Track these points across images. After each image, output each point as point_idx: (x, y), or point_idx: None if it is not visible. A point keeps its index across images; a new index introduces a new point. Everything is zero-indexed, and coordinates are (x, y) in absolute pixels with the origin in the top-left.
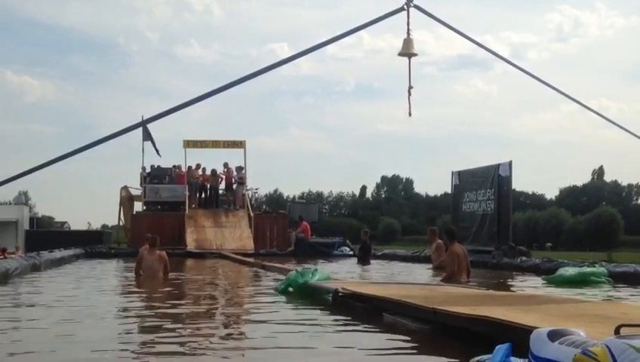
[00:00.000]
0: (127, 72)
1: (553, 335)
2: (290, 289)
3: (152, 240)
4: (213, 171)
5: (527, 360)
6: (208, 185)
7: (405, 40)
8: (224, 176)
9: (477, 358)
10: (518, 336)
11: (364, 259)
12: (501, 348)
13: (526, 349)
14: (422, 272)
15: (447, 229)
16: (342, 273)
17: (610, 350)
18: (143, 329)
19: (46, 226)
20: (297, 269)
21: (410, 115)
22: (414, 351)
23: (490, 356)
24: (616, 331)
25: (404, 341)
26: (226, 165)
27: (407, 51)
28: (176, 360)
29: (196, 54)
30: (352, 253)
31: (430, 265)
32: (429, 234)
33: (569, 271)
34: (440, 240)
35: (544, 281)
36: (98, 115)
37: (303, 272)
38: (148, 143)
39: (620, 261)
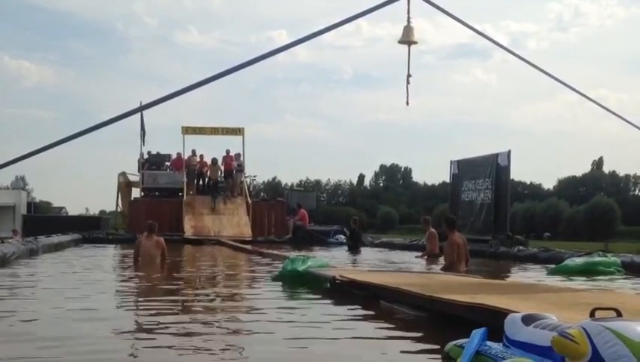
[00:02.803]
0: (126, 58)
1: (527, 320)
2: (284, 276)
3: (150, 226)
4: (214, 160)
5: (501, 344)
6: (207, 172)
7: (405, 27)
8: (224, 165)
9: (454, 342)
10: None
11: (354, 248)
12: (477, 333)
13: None
14: (413, 260)
15: (447, 218)
16: (333, 262)
17: (586, 331)
18: (138, 315)
19: (44, 211)
20: (290, 257)
21: (407, 103)
22: (410, 338)
23: (467, 340)
24: (591, 314)
25: (400, 328)
26: (227, 152)
27: (407, 39)
28: (169, 342)
29: (195, 41)
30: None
31: (418, 253)
32: (423, 224)
33: (576, 261)
34: (433, 230)
35: (548, 272)
36: (97, 100)
37: (293, 259)
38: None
39: (617, 251)
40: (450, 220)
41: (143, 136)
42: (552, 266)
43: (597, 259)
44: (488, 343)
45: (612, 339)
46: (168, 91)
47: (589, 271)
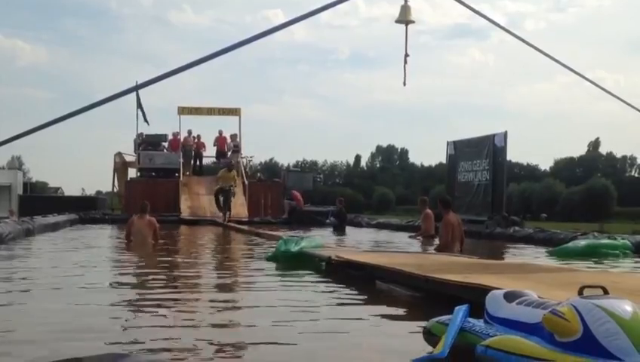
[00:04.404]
0: (121, 37)
1: (509, 297)
2: (278, 257)
3: (143, 206)
4: (230, 167)
5: (482, 320)
6: (204, 152)
7: (403, 6)
8: (216, 146)
9: (436, 319)
10: None
11: (339, 228)
12: (461, 309)
13: None
14: (408, 241)
15: (442, 199)
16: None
17: (577, 309)
18: (128, 294)
19: (40, 191)
20: (283, 237)
21: (404, 84)
22: (405, 317)
23: (449, 317)
24: (580, 292)
25: (395, 307)
26: (220, 133)
27: (404, 18)
28: (162, 322)
29: (190, 20)
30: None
31: (412, 233)
32: (420, 204)
33: (577, 243)
34: (429, 210)
35: (548, 254)
36: (92, 80)
37: (287, 240)
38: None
39: (612, 232)
40: (445, 201)
41: (144, 116)
42: (552, 248)
43: (603, 241)
44: (471, 320)
45: (603, 317)
46: (163, 71)
47: (591, 254)
